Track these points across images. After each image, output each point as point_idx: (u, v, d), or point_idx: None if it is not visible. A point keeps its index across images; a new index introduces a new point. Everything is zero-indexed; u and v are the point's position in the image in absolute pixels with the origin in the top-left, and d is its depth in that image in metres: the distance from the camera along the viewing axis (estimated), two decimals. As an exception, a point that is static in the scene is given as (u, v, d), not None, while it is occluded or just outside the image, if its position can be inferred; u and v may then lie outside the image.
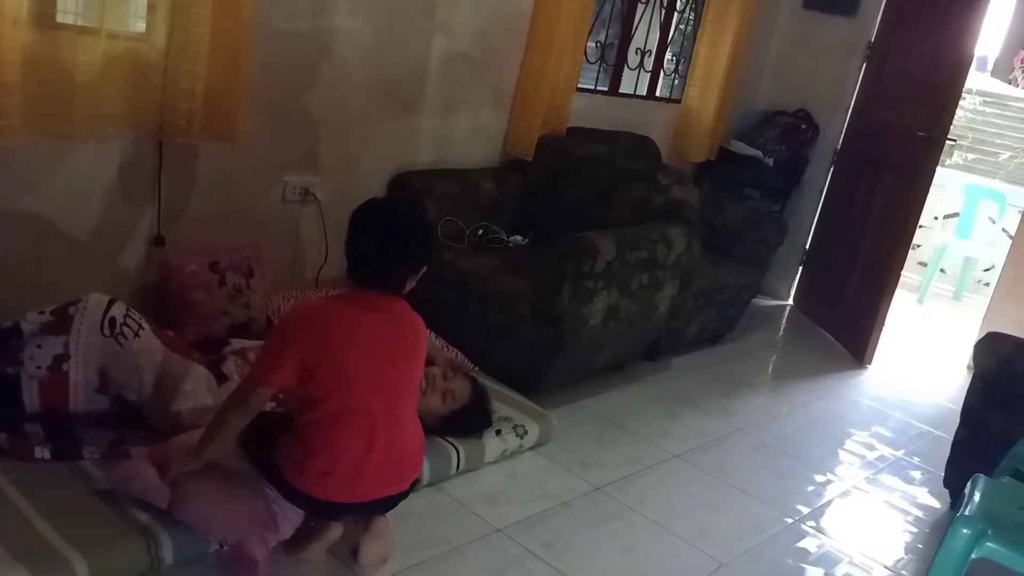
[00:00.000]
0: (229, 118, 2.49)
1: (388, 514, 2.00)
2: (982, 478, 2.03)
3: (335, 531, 1.97)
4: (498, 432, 2.55)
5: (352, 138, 3.06)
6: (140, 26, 2.45)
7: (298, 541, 1.94)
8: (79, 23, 2.29)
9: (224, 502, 1.85)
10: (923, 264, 5.73)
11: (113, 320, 2.12)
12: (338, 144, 3.02)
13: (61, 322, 2.10)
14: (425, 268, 1.91)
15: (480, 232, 3.32)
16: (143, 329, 2.17)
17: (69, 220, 2.44)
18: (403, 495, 1.95)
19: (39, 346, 2.06)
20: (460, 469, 2.41)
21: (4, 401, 2.03)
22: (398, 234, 1.85)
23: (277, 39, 2.70)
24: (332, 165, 3.03)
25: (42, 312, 2.11)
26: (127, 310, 2.18)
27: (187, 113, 2.41)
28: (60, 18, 2.26)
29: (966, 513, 1.85)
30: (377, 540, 1.97)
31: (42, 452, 1.98)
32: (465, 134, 3.47)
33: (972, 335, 4.32)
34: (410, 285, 1.90)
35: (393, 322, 1.89)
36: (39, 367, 2.04)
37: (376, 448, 1.83)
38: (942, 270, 5.71)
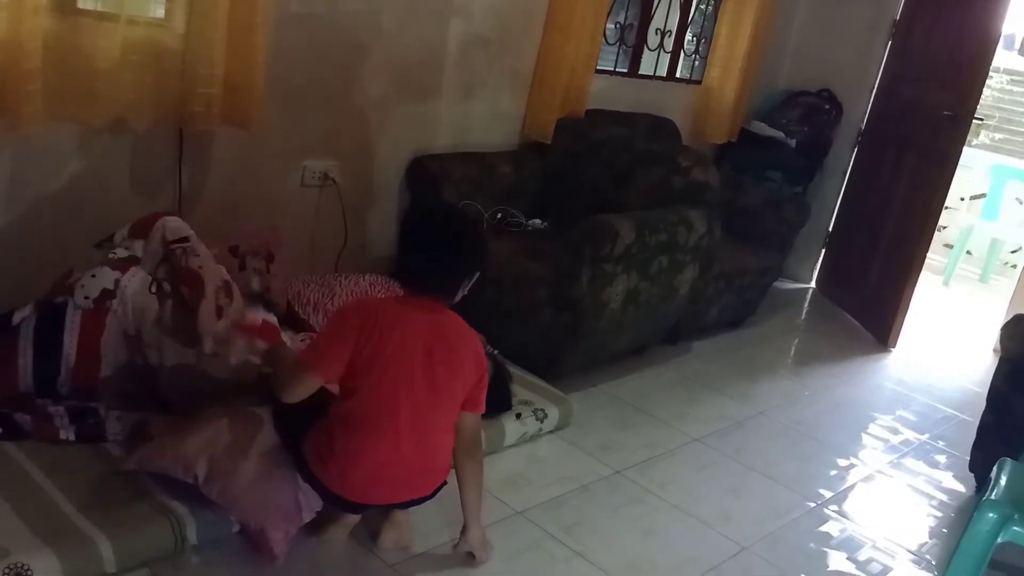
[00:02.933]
0: (247, 104, 2.49)
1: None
2: (1008, 462, 2.01)
3: (354, 517, 1.99)
4: (518, 416, 2.55)
5: (370, 122, 3.05)
6: (159, 12, 2.46)
7: (319, 524, 1.96)
8: (99, 8, 2.30)
9: (255, 487, 1.86)
10: (949, 246, 5.64)
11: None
12: (356, 129, 3.02)
13: (123, 261, 2.15)
14: (478, 274, 1.90)
15: (499, 216, 3.31)
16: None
17: (90, 205, 2.46)
18: (426, 498, 1.93)
19: (93, 275, 2.11)
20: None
21: (46, 336, 2.06)
22: (453, 242, 1.85)
23: (294, 23, 2.69)
24: (350, 149, 3.03)
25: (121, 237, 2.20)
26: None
27: (206, 99, 2.42)
28: (81, 4, 2.27)
29: (992, 497, 1.83)
30: (396, 528, 1.99)
31: (67, 434, 2.00)
32: (483, 117, 3.45)
33: (998, 317, 4.26)
34: (463, 292, 1.89)
35: (443, 332, 1.85)
36: (87, 297, 2.08)
37: (400, 457, 1.81)
38: (968, 252, 5.63)
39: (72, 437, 2.01)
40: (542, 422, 2.61)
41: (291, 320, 2.77)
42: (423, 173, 3.22)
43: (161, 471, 1.87)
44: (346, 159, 3.02)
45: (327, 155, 2.97)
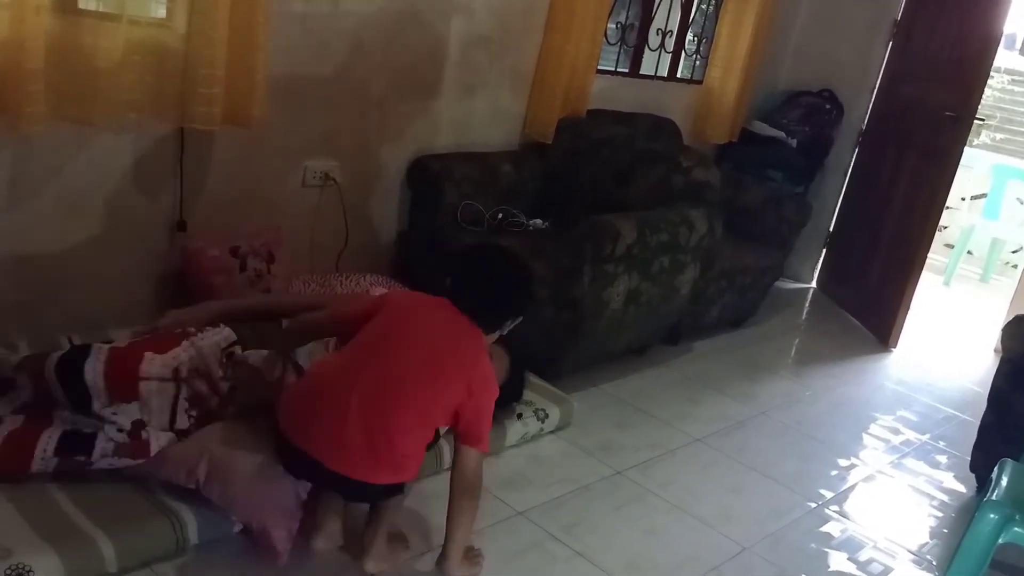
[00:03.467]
0: (248, 103, 2.49)
1: (406, 531, 1.99)
2: (1009, 463, 2.00)
3: (331, 524, 1.93)
4: (519, 416, 2.56)
5: (371, 122, 3.05)
6: (160, 12, 2.46)
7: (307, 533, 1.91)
8: (101, 9, 2.30)
9: (255, 487, 1.86)
10: (950, 246, 5.64)
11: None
12: (357, 128, 3.01)
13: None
14: (520, 319, 1.92)
15: (500, 216, 3.31)
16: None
17: (92, 205, 2.46)
18: (362, 488, 1.78)
19: (115, 412, 1.91)
20: (481, 452, 2.42)
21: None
22: (509, 283, 1.90)
23: (295, 22, 2.69)
24: (351, 149, 3.03)
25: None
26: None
27: (207, 99, 2.42)
28: (83, 4, 2.27)
29: (993, 498, 1.83)
30: (329, 524, 1.93)
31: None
32: (484, 117, 3.45)
33: (999, 317, 4.26)
34: (501, 331, 1.92)
35: (452, 344, 1.82)
36: (120, 430, 1.89)
37: (342, 420, 1.72)
38: (969, 252, 5.63)
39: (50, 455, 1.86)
40: (543, 422, 2.61)
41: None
42: (424, 173, 3.22)
43: (164, 478, 1.87)
44: (347, 159, 3.02)
45: (328, 155, 2.97)
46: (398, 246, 3.32)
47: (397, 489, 1.83)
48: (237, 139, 2.64)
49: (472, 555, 1.95)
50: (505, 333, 1.93)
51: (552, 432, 2.66)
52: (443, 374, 1.78)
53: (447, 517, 1.84)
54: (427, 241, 3.22)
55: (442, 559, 1.86)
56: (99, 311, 2.54)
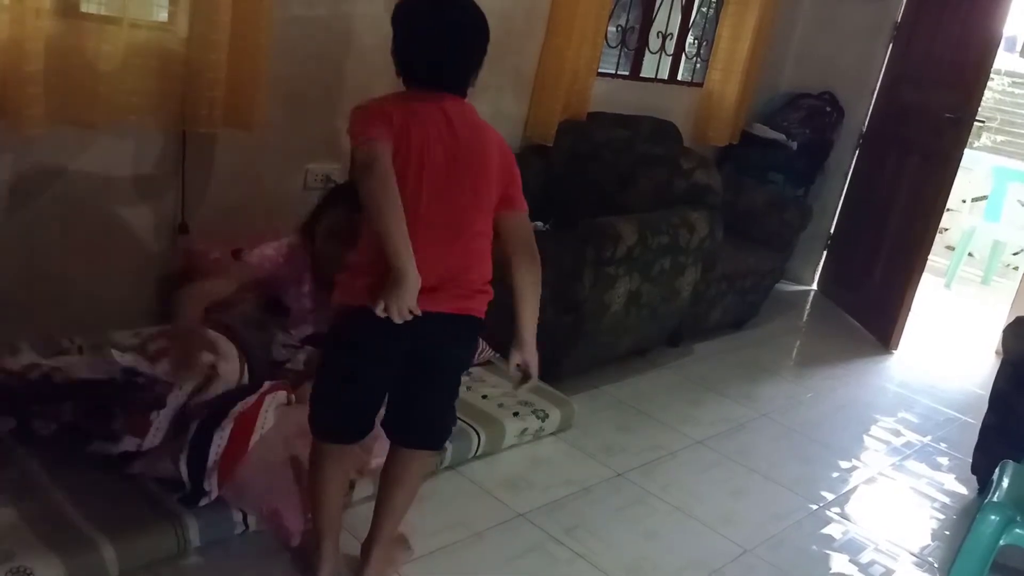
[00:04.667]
0: (250, 106, 2.49)
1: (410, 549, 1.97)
2: (1011, 464, 2.00)
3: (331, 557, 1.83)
4: (516, 414, 2.56)
5: (372, 125, 3.05)
6: (162, 15, 2.46)
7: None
8: (102, 12, 2.30)
9: (258, 472, 1.87)
10: (951, 248, 5.64)
11: None
12: (358, 131, 3.01)
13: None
14: (479, 67, 1.71)
15: (501, 218, 3.30)
16: None
17: (94, 207, 2.47)
18: (469, 326, 1.70)
19: None
20: (480, 452, 2.42)
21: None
22: (458, 29, 1.66)
23: (297, 26, 2.70)
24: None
25: None
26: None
27: (209, 102, 2.42)
28: (84, 7, 2.28)
29: (994, 500, 1.82)
30: (378, 564, 1.86)
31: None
32: (485, 119, 3.40)
33: (1000, 319, 4.26)
34: (470, 87, 1.71)
35: (461, 122, 1.65)
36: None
37: (435, 261, 1.60)
38: (970, 254, 5.62)
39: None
40: (543, 421, 2.61)
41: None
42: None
43: (166, 476, 1.87)
44: (348, 162, 3.02)
45: (330, 158, 2.97)
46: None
47: (482, 328, 1.74)
48: (239, 142, 2.64)
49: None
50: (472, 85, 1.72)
51: (553, 434, 2.66)
52: (487, 155, 1.68)
53: (518, 297, 1.75)
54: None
55: (519, 345, 1.77)
56: (100, 313, 2.54)
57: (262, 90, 2.51)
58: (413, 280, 1.52)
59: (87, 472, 1.91)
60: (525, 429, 2.56)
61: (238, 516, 1.90)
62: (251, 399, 1.98)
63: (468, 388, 2.66)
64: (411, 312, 1.54)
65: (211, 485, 1.86)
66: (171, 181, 2.60)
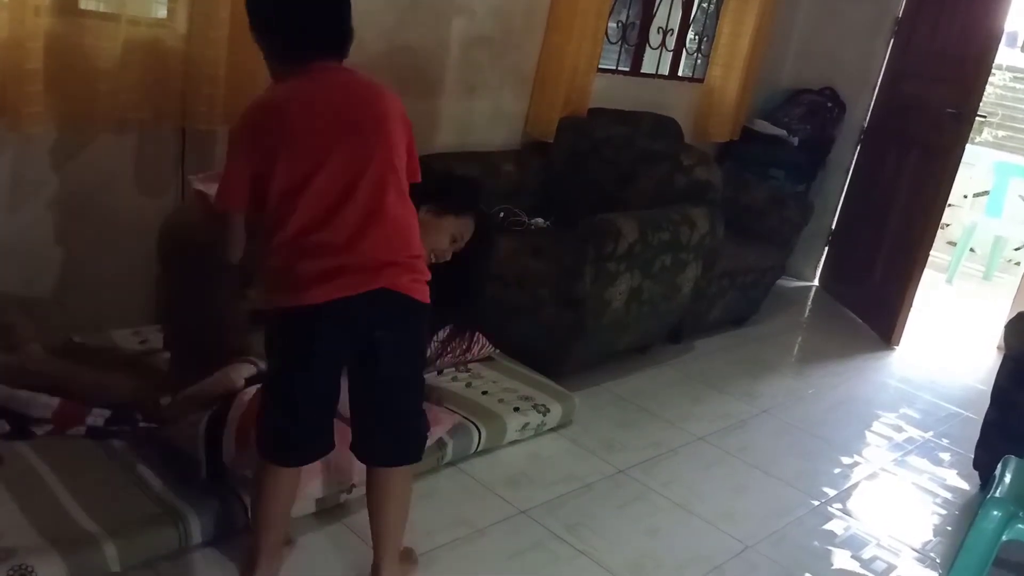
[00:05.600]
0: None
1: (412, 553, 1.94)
2: (1013, 460, 2.00)
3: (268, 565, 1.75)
4: (516, 409, 2.55)
5: (372, 122, 3.05)
6: (161, 12, 2.46)
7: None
8: (101, 9, 2.30)
9: None
10: (952, 243, 5.63)
11: None
12: (358, 128, 3.01)
13: None
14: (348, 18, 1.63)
15: (501, 215, 3.30)
16: None
17: (93, 204, 2.47)
18: (410, 309, 1.58)
19: None
20: (481, 448, 2.42)
21: None
22: None
23: (296, 23, 2.69)
24: (353, 149, 3.02)
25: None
26: None
27: (208, 99, 2.42)
28: (83, 4, 2.28)
29: (996, 495, 1.82)
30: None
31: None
32: (485, 116, 3.45)
33: (1002, 315, 4.25)
34: (351, 35, 1.64)
35: (351, 89, 1.60)
36: None
37: (354, 247, 1.52)
38: (972, 249, 5.62)
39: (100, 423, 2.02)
40: (544, 416, 2.60)
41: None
42: (425, 173, 3.21)
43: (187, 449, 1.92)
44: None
45: (329, 155, 2.97)
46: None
47: (426, 316, 1.63)
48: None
49: None
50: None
51: (554, 429, 2.66)
52: (387, 119, 1.59)
53: None
54: (429, 240, 3.22)
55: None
56: (101, 310, 2.54)
57: (262, 87, 2.50)
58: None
59: (88, 469, 1.91)
60: (526, 424, 2.55)
61: (239, 510, 1.90)
62: None
63: (468, 385, 2.66)
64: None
65: (228, 455, 1.89)
66: (171, 178, 2.60)
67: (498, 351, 2.89)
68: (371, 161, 1.55)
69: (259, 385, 1.93)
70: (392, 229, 1.56)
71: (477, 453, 2.42)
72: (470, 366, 2.78)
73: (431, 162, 3.21)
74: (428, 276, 1.63)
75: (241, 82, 2.46)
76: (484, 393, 2.62)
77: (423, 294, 1.61)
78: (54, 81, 2.16)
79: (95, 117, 2.29)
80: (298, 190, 1.52)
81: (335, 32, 1.60)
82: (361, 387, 1.66)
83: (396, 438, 1.71)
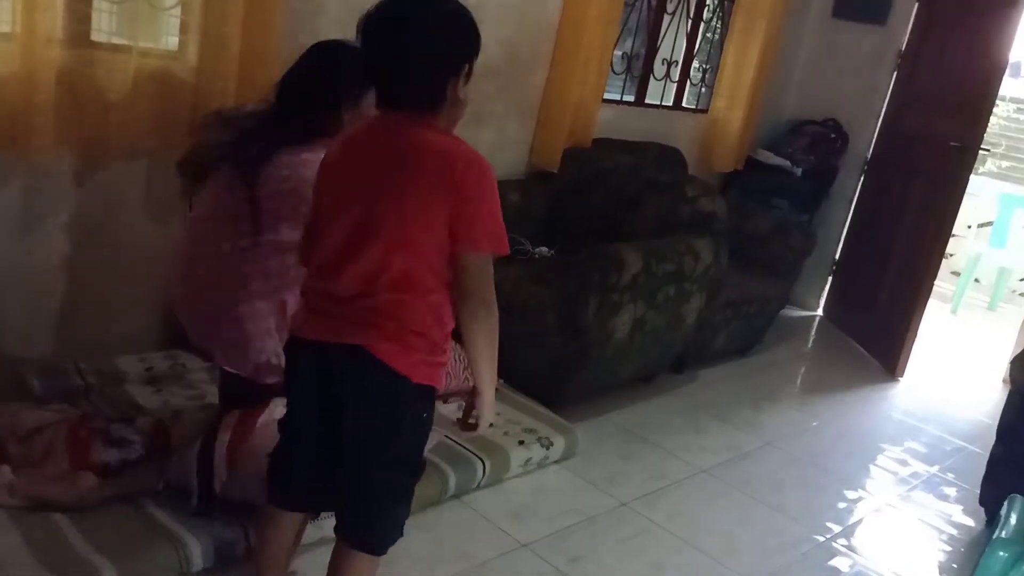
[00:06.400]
0: (257, 133, 2.51)
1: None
2: (1019, 499, 1.99)
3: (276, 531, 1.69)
4: (521, 443, 2.55)
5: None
6: (172, 44, 2.49)
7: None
8: (113, 40, 2.34)
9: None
10: (956, 273, 5.62)
11: None
12: (365, 157, 3.03)
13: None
14: (466, 65, 1.46)
15: (506, 244, 3.31)
16: None
17: (102, 232, 2.48)
18: (387, 380, 1.45)
19: None
20: (485, 481, 2.41)
21: None
22: (408, 24, 1.39)
23: (305, 54, 2.72)
24: (359, 178, 3.04)
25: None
26: None
27: (217, 129, 2.44)
28: (94, 36, 2.31)
29: (1003, 535, 1.81)
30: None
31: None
32: (491, 146, 3.46)
33: (1007, 346, 4.24)
34: (452, 92, 1.44)
35: (393, 147, 1.43)
36: None
37: (331, 287, 1.47)
38: (976, 280, 5.61)
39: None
40: (548, 449, 2.60)
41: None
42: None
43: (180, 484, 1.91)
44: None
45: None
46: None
47: (423, 401, 1.51)
48: (245, 168, 2.65)
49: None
50: (463, 86, 1.47)
51: (557, 462, 2.65)
52: (412, 185, 1.41)
53: (467, 351, 1.50)
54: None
55: (474, 394, 1.54)
56: (108, 337, 2.55)
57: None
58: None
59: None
60: (530, 458, 2.55)
61: (239, 535, 1.89)
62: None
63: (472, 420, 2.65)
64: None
65: (219, 481, 1.89)
66: (179, 207, 2.61)
67: (502, 380, 2.88)
68: (381, 226, 1.42)
69: (247, 408, 1.96)
70: (389, 297, 1.44)
71: (480, 487, 2.41)
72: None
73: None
74: (433, 356, 1.49)
75: (249, 113, 2.48)
76: (489, 426, 2.60)
77: (410, 368, 1.45)
78: (64, 112, 2.18)
79: (104, 147, 2.31)
80: (315, 239, 1.53)
81: (412, 88, 1.43)
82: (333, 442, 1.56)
83: (354, 512, 1.56)
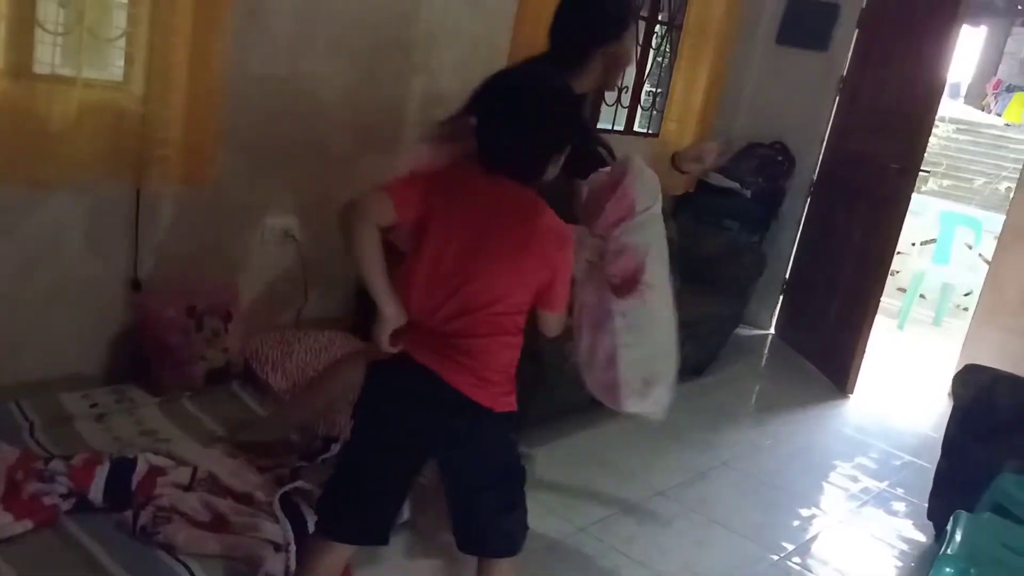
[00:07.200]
0: (204, 163, 2.49)
1: None
2: (963, 515, 2.03)
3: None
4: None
5: (332, 180, 3.05)
6: (117, 74, 2.46)
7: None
8: (56, 72, 2.29)
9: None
10: (903, 290, 5.78)
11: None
12: (318, 186, 3.02)
13: None
14: (568, 148, 1.65)
15: (461, 270, 3.31)
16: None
17: (45, 265, 2.42)
18: (476, 417, 1.63)
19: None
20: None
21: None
22: (538, 115, 1.59)
23: (255, 84, 2.71)
24: (312, 207, 3.03)
25: None
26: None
27: (163, 160, 2.41)
28: (37, 68, 2.26)
29: (948, 552, 1.85)
30: None
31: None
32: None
33: (953, 360, 4.36)
34: (553, 171, 1.65)
35: (513, 205, 1.61)
36: None
37: (435, 321, 1.60)
38: (922, 296, 5.77)
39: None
40: (505, 479, 2.58)
41: (250, 378, 2.75)
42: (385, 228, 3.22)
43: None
44: (308, 216, 3.02)
45: (288, 212, 2.97)
46: (359, 302, 3.31)
47: (507, 425, 1.72)
48: (195, 197, 2.62)
49: None
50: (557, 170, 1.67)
51: (514, 489, 2.64)
52: (526, 244, 1.61)
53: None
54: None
55: None
56: (51, 373, 2.49)
57: (217, 148, 2.51)
58: (390, 312, 1.57)
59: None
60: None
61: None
62: None
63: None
64: (387, 349, 1.59)
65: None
66: (124, 238, 2.57)
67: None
68: (486, 275, 1.60)
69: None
70: (475, 347, 1.62)
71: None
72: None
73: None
74: (509, 388, 1.72)
75: (197, 143, 2.46)
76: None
77: (491, 400, 1.66)
78: (5, 144, 2.13)
79: (48, 179, 2.27)
80: (419, 264, 1.60)
81: (531, 166, 1.63)
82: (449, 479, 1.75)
83: (479, 530, 1.75)
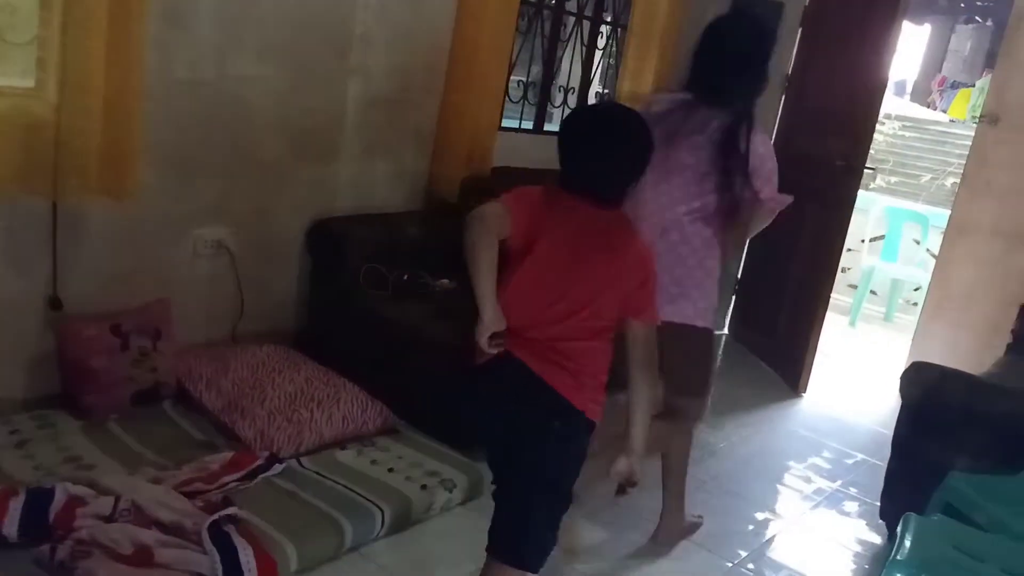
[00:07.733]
0: (125, 174, 2.37)
1: None
2: (913, 518, 2.00)
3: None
4: (424, 487, 2.45)
5: (266, 187, 2.95)
6: (29, 82, 2.32)
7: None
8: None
9: None
10: (853, 286, 5.82)
11: None
12: (251, 194, 2.91)
13: None
14: (634, 180, 1.80)
15: (405, 277, 3.22)
16: None
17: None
18: (567, 414, 1.73)
19: None
20: (384, 531, 2.30)
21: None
22: (624, 148, 1.75)
23: (180, 89, 2.59)
24: (245, 216, 2.91)
25: None
26: None
27: (81, 170, 2.28)
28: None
29: (898, 557, 1.81)
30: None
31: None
32: (386, 178, 3.38)
33: (903, 356, 4.38)
34: (624, 197, 1.80)
35: (602, 224, 1.75)
36: None
37: (534, 334, 1.74)
38: (873, 292, 5.82)
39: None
40: (451, 492, 2.51)
41: (183, 398, 2.63)
42: (324, 236, 3.12)
43: None
44: (241, 226, 2.90)
45: (220, 223, 2.85)
46: (298, 313, 3.20)
47: (589, 434, 1.79)
48: (118, 210, 2.49)
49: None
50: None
51: (462, 503, 2.56)
52: (615, 255, 1.74)
53: (630, 404, 1.85)
54: (328, 307, 3.12)
55: (627, 452, 1.85)
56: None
57: (138, 157, 2.39)
58: (489, 317, 1.72)
59: None
60: (432, 504, 2.45)
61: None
62: None
63: (373, 462, 2.54)
64: (488, 350, 1.72)
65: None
66: (42, 254, 2.43)
67: (403, 422, 2.78)
68: (587, 286, 1.73)
69: None
70: (577, 336, 1.74)
71: (379, 537, 2.29)
72: (375, 440, 2.68)
73: (331, 225, 3.14)
74: (600, 396, 1.80)
75: (116, 152, 2.34)
76: (390, 471, 2.51)
77: (583, 403, 1.74)
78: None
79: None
80: (523, 274, 1.73)
81: (609, 193, 1.76)
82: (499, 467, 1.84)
83: (504, 533, 1.79)
